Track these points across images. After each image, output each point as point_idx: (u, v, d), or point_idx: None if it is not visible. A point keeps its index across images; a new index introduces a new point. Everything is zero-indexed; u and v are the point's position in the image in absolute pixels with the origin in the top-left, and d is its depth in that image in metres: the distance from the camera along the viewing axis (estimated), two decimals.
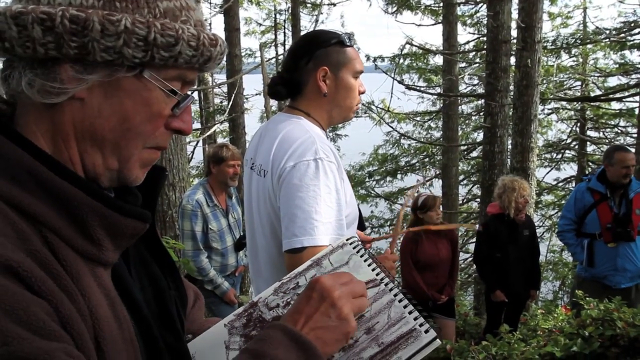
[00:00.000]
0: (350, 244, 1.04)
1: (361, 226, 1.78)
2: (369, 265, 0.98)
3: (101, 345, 0.61)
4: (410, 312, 0.89)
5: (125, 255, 0.75)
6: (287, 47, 13.85)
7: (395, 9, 12.37)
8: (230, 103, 9.14)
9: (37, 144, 0.65)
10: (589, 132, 13.24)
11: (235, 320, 0.98)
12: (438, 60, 13.46)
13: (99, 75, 0.65)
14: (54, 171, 0.63)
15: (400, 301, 0.91)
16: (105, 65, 0.64)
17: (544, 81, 10.18)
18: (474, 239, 6.80)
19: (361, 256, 1.01)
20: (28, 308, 0.53)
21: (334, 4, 13.48)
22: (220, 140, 12.91)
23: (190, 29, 0.68)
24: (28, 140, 0.65)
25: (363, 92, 1.70)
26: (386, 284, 0.94)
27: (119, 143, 0.68)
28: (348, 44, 1.64)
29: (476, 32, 13.01)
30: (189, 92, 0.73)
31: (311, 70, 1.62)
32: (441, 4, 12.43)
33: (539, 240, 5.32)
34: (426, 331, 0.85)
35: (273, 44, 14.90)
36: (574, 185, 12.33)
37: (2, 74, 0.67)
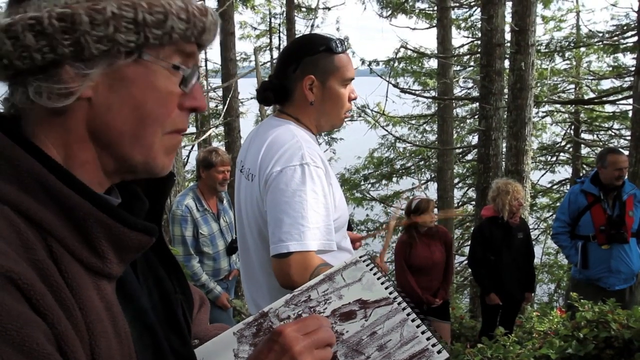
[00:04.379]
0: (363, 261, 1.05)
1: (348, 228, 1.79)
2: (382, 283, 0.99)
3: None
4: (422, 332, 0.89)
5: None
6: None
7: (389, 12, 12.43)
8: (226, 107, 9.14)
9: (47, 152, 0.65)
10: (583, 135, 13.30)
11: (245, 329, 0.98)
12: (433, 63, 13.51)
13: (99, 67, 0.64)
14: (62, 180, 0.62)
15: (413, 320, 0.92)
16: (104, 56, 0.64)
17: (538, 84, 10.23)
18: (469, 242, 6.81)
19: (374, 274, 1.01)
20: (22, 329, 0.52)
21: (329, 8, 13.52)
22: (215, 144, 12.89)
23: (177, 2, 0.67)
24: (38, 147, 0.64)
25: (354, 99, 1.68)
26: (399, 303, 0.95)
27: (136, 134, 0.68)
28: (338, 50, 1.60)
29: (470, 35, 13.06)
30: (194, 67, 0.72)
31: (298, 78, 1.60)
32: (435, 8, 12.49)
33: (533, 242, 5.33)
34: (439, 352, 0.86)
35: (268, 48, 14.91)
36: (568, 187, 12.37)
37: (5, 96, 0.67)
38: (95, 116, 0.66)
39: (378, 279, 1.00)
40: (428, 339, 0.88)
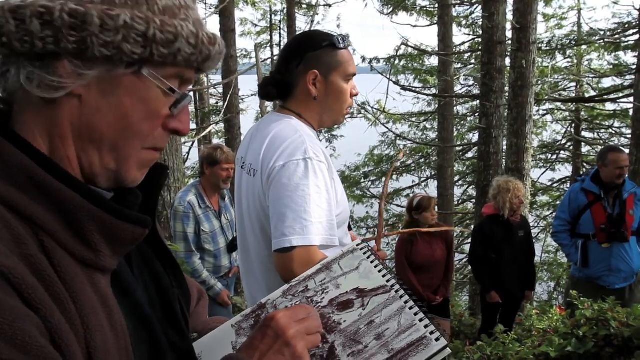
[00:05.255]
0: (361, 249, 1.04)
1: (347, 226, 1.78)
2: (379, 271, 0.98)
3: (92, 355, 0.60)
4: (420, 320, 0.88)
5: (127, 253, 0.73)
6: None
7: (390, 9, 12.39)
8: (226, 104, 9.13)
9: (34, 145, 0.65)
10: (583, 133, 13.29)
11: (243, 321, 0.98)
12: (433, 61, 13.49)
13: (97, 71, 0.64)
14: (51, 173, 0.62)
15: (410, 308, 0.91)
16: (104, 61, 0.64)
17: (539, 82, 10.21)
18: (470, 240, 6.82)
19: (372, 262, 1.01)
20: (14, 322, 0.52)
21: (330, 5, 13.49)
22: (215, 141, 12.89)
23: (189, 26, 0.68)
24: (26, 141, 0.64)
25: (356, 95, 1.69)
26: (397, 291, 0.94)
27: (117, 142, 0.68)
28: (340, 46, 1.62)
29: (471, 33, 13.04)
30: (187, 92, 0.73)
31: (301, 73, 1.61)
32: (436, 5, 12.46)
33: (534, 240, 5.33)
34: (437, 339, 0.85)
35: (268, 45, 14.89)
36: (568, 185, 12.37)
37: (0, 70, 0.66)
38: (82, 115, 0.66)
39: (375, 267, 0.99)
40: (426, 326, 0.87)
